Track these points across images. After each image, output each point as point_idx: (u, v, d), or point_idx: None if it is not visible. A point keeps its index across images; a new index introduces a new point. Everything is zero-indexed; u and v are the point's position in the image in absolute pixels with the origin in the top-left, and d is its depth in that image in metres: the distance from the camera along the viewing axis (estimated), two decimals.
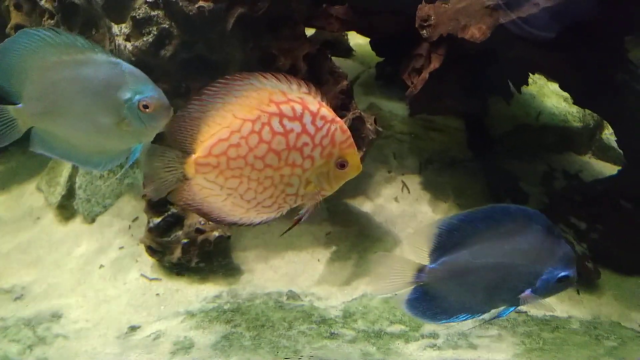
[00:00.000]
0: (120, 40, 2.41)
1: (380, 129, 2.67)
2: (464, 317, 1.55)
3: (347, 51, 4.45)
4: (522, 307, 2.46)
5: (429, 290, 1.54)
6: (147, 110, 1.67)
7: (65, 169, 3.01)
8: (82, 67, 1.69)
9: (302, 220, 1.43)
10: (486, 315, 1.59)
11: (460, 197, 3.08)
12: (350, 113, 2.56)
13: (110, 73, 1.69)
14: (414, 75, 2.94)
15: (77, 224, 2.91)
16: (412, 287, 1.54)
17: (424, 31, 2.65)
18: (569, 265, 1.51)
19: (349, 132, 1.39)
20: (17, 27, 2.60)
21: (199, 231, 2.50)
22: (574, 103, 2.91)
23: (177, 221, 2.54)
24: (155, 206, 2.54)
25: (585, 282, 2.64)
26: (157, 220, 2.52)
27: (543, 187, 3.18)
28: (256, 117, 1.34)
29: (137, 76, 1.72)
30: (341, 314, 2.38)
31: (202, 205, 1.40)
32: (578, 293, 2.61)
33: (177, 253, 2.52)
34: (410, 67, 2.99)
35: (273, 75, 1.33)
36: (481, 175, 3.23)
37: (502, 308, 1.58)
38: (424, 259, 1.54)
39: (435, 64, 2.67)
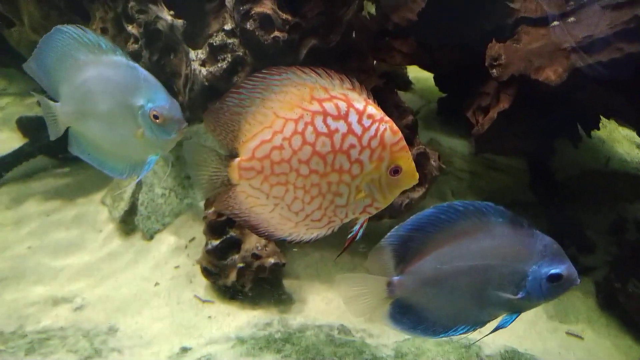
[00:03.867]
0: (195, 65, 2.49)
1: (443, 165, 2.61)
2: (463, 328, 1.44)
3: (405, 84, 4.45)
4: None
5: (408, 303, 1.45)
6: (157, 120, 1.64)
7: (130, 185, 3.10)
8: (104, 68, 1.68)
9: (357, 237, 1.32)
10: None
11: None
12: (415, 148, 2.53)
13: (127, 77, 1.67)
14: (479, 114, 2.89)
15: (136, 239, 2.97)
16: (389, 302, 1.45)
17: (494, 70, 2.61)
18: (556, 261, 1.35)
19: (400, 134, 1.25)
20: None
21: (256, 256, 2.50)
22: None
23: (234, 245, 2.55)
24: (214, 228, 2.56)
25: None
26: (216, 242, 2.53)
27: (612, 237, 3.01)
28: (299, 116, 1.23)
29: (151, 83, 1.68)
30: (393, 354, 2.30)
31: (249, 217, 1.32)
32: None
33: (232, 277, 2.52)
34: (476, 105, 2.95)
35: (312, 69, 1.23)
36: (543, 220, 3.10)
37: (502, 317, 1.46)
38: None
39: (504, 104, 2.61)
